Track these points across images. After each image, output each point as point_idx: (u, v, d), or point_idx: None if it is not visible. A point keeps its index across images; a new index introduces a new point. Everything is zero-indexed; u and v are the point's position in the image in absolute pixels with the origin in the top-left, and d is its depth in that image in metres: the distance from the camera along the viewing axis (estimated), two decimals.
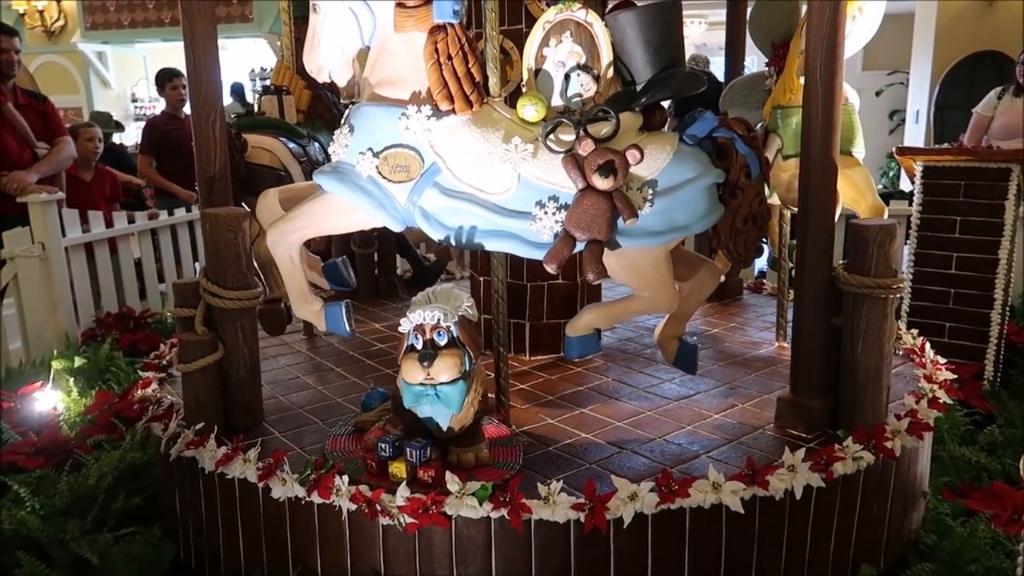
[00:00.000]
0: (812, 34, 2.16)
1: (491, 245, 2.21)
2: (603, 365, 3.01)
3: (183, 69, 2.72)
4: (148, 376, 2.87)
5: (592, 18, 2.20)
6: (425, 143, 2.19)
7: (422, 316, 1.98)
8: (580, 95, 2.24)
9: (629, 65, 2.24)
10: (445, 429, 2.04)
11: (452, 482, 1.93)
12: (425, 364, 1.96)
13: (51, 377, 3.49)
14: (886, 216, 2.78)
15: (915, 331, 3.13)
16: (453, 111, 2.18)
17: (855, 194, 2.87)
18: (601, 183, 2.07)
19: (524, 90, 2.26)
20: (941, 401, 2.49)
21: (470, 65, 2.17)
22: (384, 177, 2.21)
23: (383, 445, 2.05)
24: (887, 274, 2.19)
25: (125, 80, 11.40)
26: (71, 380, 3.47)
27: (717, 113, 2.42)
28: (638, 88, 2.24)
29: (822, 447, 2.17)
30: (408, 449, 2.02)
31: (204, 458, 2.25)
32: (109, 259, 4.46)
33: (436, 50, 2.15)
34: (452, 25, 2.16)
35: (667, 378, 2.80)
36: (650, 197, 2.13)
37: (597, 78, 2.24)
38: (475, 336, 2.07)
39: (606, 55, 2.23)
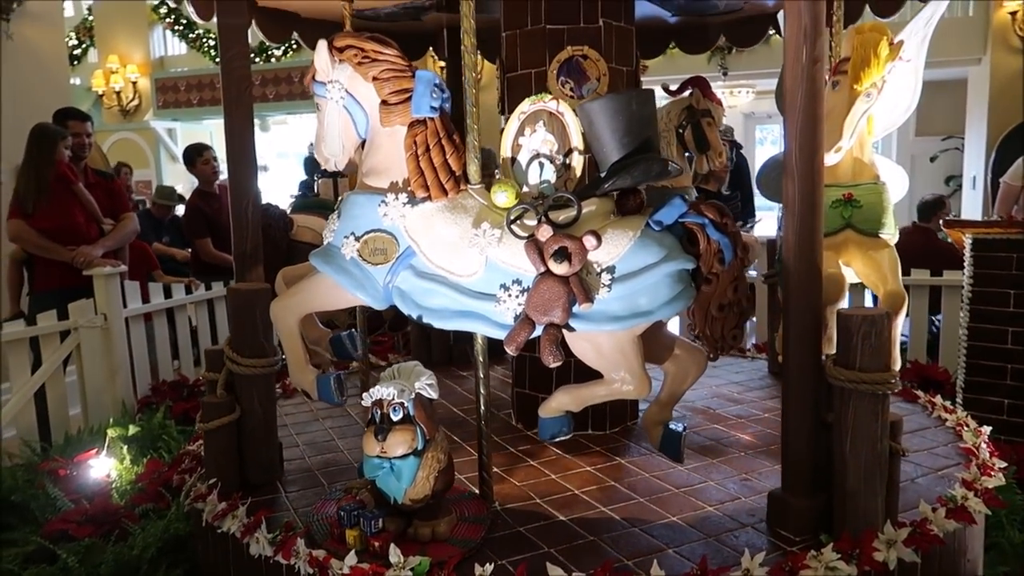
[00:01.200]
0: (787, 112, 2.14)
1: (461, 325, 2.32)
2: (624, 445, 3.02)
3: None
4: (201, 429, 3.06)
5: (563, 108, 2.34)
6: (401, 228, 2.36)
7: (381, 392, 2.12)
8: (548, 181, 2.36)
9: (597, 153, 2.33)
10: (400, 501, 2.15)
11: (393, 554, 2.02)
12: (379, 438, 2.09)
13: (106, 444, 3.60)
14: (906, 308, 2.70)
15: (986, 429, 2.93)
16: (429, 198, 2.34)
17: (877, 279, 2.80)
18: (556, 268, 2.16)
19: (498, 177, 2.41)
20: (974, 511, 2.30)
21: (447, 156, 2.35)
22: (364, 259, 2.38)
23: (342, 513, 2.19)
24: (874, 368, 2.07)
25: None
26: (125, 448, 3.58)
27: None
28: (603, 174, 2.33)
29: (805, 551, 2.06)
30: (361, 519, 2.14)
31: (205, 511, 2.47)
32: (167, 328, 4.62)
33: (415, 142, 2.34)
34: (432, 119, 2.36)
35: (684, 465, 2.71)
36: (608, 282, 2.19)
37: (567, 166, 2.35)
38: (430, 414, 2.19)
39: (577, 143, 2.34)
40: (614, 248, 2.19)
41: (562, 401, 2.42)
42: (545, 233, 2.18)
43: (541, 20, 3.11)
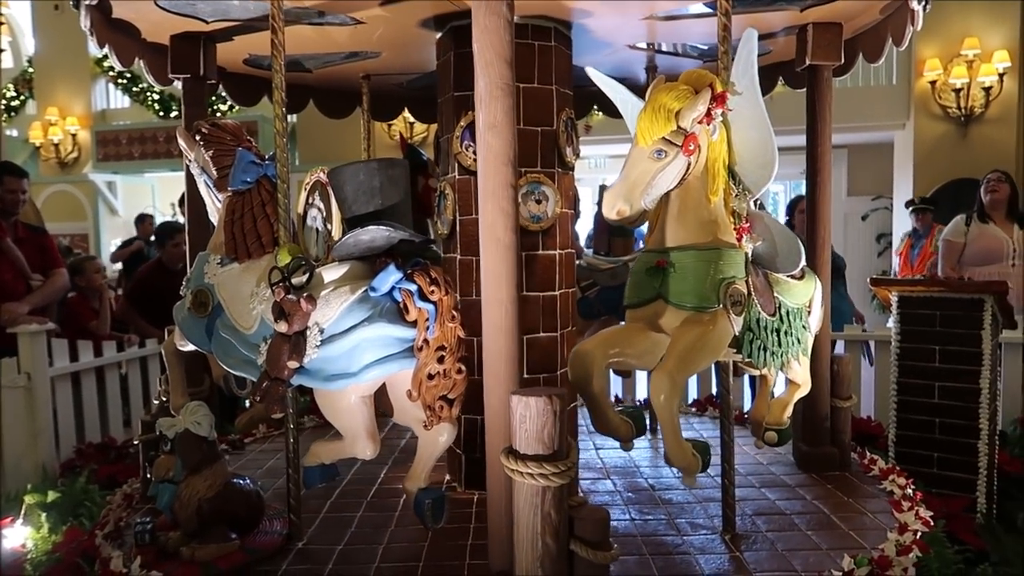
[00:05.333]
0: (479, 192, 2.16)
1: (245, 372, 2.58)
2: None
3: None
4: None
5: (327, 179, 2.55)
6: (215, 285, 2.70)
7: (160, 425, 2.58)
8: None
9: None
10: (169, 519, 2.54)
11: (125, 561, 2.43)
12: (147, 463, 2.64)
13: (22, 512, 3.42)
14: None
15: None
16: (236, 259, 2.67)
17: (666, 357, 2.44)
18: (277, 326, 2.33)
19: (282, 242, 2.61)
20: None
21: (257, 222, 2.63)
22: (193, 311, 2.73)
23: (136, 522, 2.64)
24: (531, 454, 1.89)
25: (133, 208, 11.76)
26: (43, 515, 3.39)
27: None
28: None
29: None
30: (136, 527, 2.57)
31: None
32: (95, 388, 4.45)
33: (231, 210, 2.72)
34: (248, 191, 2.71)
35: None
36: (318, 343, 2.34)
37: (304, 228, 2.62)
38: (192, 448, 2.51)
39: (334, 209, 2.51)
40: (328, 310, 2.35)
41: (316, 452, 2.70)
42: (279, 294, 2.33)
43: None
